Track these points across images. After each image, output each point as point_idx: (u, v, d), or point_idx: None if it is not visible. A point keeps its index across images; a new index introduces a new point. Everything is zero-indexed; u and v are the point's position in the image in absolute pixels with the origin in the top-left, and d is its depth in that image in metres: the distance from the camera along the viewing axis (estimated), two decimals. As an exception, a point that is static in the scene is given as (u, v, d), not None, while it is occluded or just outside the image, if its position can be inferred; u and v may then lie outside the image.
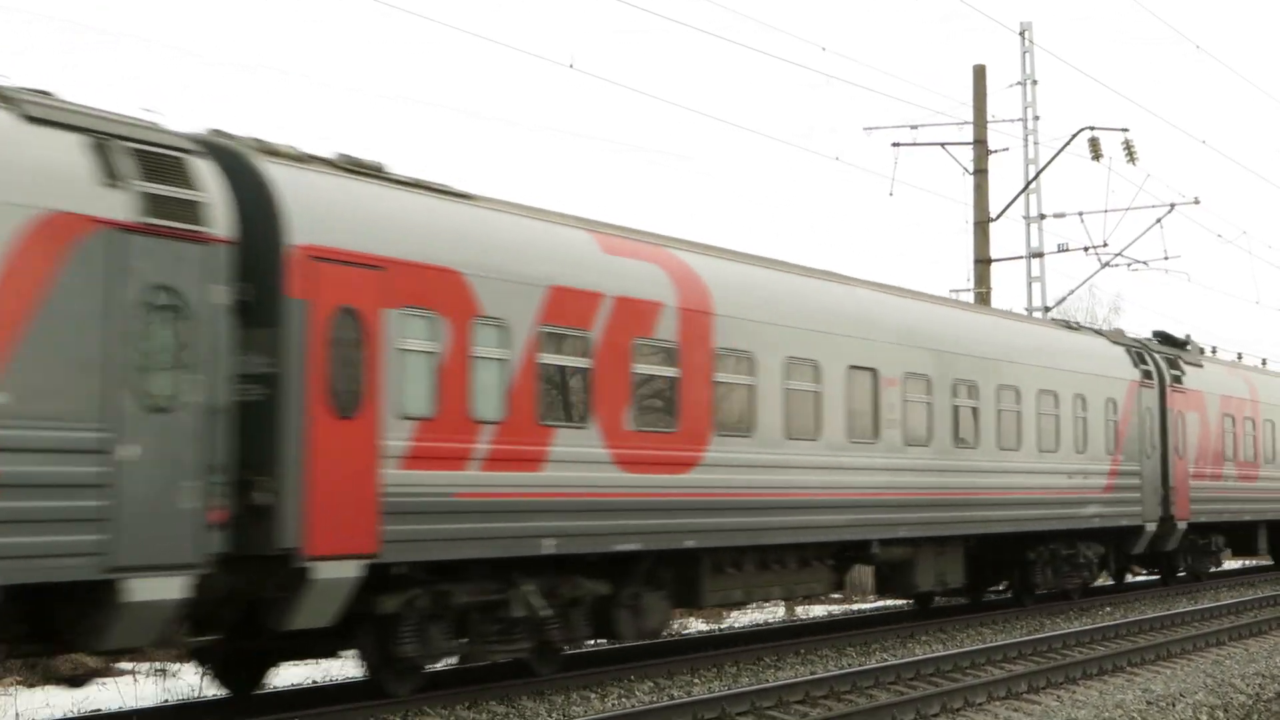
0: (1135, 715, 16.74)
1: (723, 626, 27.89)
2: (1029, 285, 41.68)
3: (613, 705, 16.86)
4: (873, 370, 22.99)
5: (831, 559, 22.75)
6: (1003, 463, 26.53)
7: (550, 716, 16.07)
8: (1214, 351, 40.30)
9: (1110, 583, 35.36)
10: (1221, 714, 17.08)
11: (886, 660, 20.64)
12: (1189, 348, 36.17)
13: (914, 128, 38.85)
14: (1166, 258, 42.42)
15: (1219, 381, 36.71)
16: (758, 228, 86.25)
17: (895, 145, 39.02)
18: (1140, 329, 38.90)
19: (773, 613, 30.01)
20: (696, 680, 18.94)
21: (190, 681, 19.12)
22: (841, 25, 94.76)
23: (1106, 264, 41.52)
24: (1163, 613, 27.78)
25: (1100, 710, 16.98)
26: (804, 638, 23.52)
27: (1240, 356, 41.05)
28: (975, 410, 25.84)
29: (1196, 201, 41.74)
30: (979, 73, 38.84)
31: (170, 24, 71.73)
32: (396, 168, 16.76)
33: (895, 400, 23.49)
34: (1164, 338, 35.98)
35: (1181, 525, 33.34)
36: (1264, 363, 43.53)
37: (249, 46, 76.60)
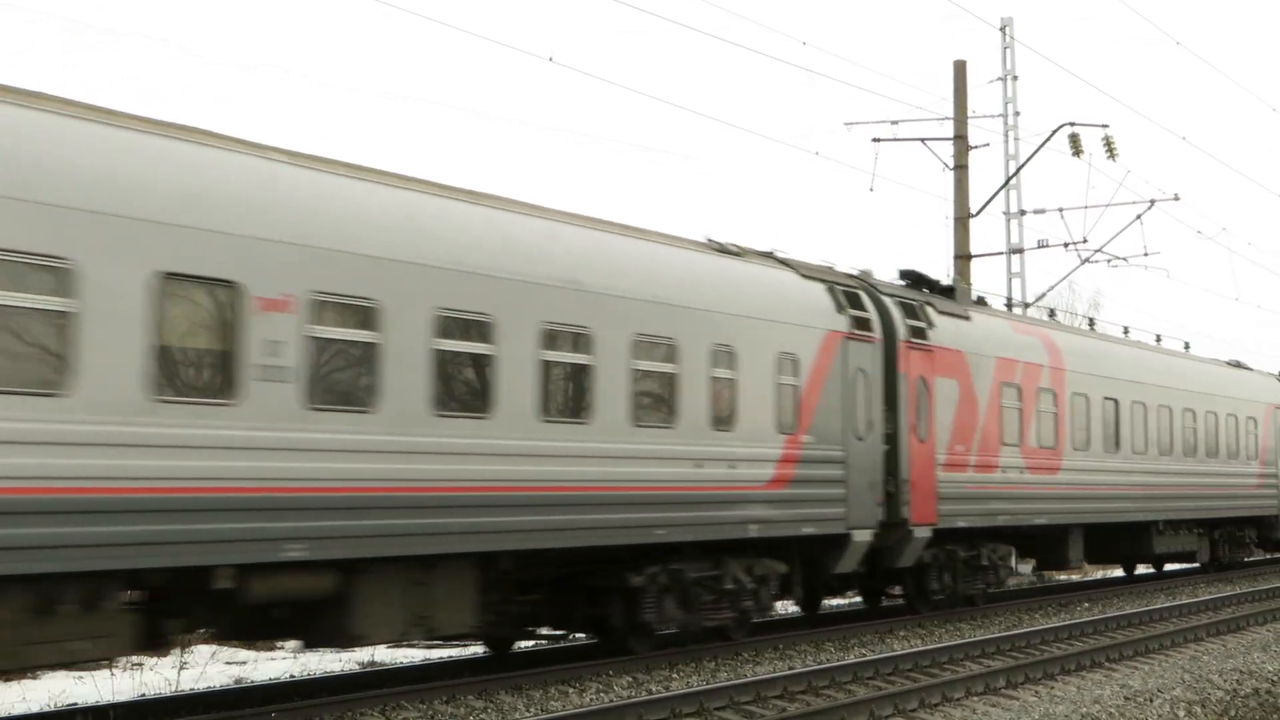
0: (1113, 710, 16.75)
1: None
2: (1009, 281, 41.75)
3: (591, 700, 16.84)
4: None
5: None
6: (555, 441, 17.79)
7: (529, 711, 16.05)
8: (1051, 313, 39.08)
9: (800, 612, 27.18)
10: (1199, 709, 17.11)
11: (865, 656, 20.64)
12: (955, 294, 28.58)
13: (895, 123, 38.91)
14: (1146, 254, 42.50)
15: (997, 340, 28.14)
16: (738, 222, 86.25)
17: (876, 140, 39.10)
18: (1114, 322, 38.53)
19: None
20: (675, 675, 18.92)
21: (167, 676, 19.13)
22: (823, 20, 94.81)
23: (1086, 260, 41.60)
24: (1141, 609, 27.81)
25: (1078, 705, 16.99)
26: (782, 633, 23.50)
27: (1126, 331, 37.21)
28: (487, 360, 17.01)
29: (1176, 198, 41.83)
30: (959, 68, 38.86)
31: (170, 23, 71.55)
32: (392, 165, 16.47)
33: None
34: (914, 279, 27.76)
35: (921, 532, 24.82)
36: (1156, 338, 38.38)
37: (245, 45, 76.40)
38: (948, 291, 28.34)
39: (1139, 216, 41.15)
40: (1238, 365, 41.87)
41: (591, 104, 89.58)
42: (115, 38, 66.72)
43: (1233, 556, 40.45)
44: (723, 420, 20.34)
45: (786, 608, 27.31)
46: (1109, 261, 42.40)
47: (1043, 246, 41.68)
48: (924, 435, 24.96)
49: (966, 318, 27.43)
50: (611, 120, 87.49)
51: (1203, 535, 37.99)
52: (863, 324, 23.48)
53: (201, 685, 17.99)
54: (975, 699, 17.50)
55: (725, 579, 20.88)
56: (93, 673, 19.47)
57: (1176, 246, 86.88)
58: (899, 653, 20.23)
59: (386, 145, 75.25)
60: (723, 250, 21.81)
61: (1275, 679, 19.72)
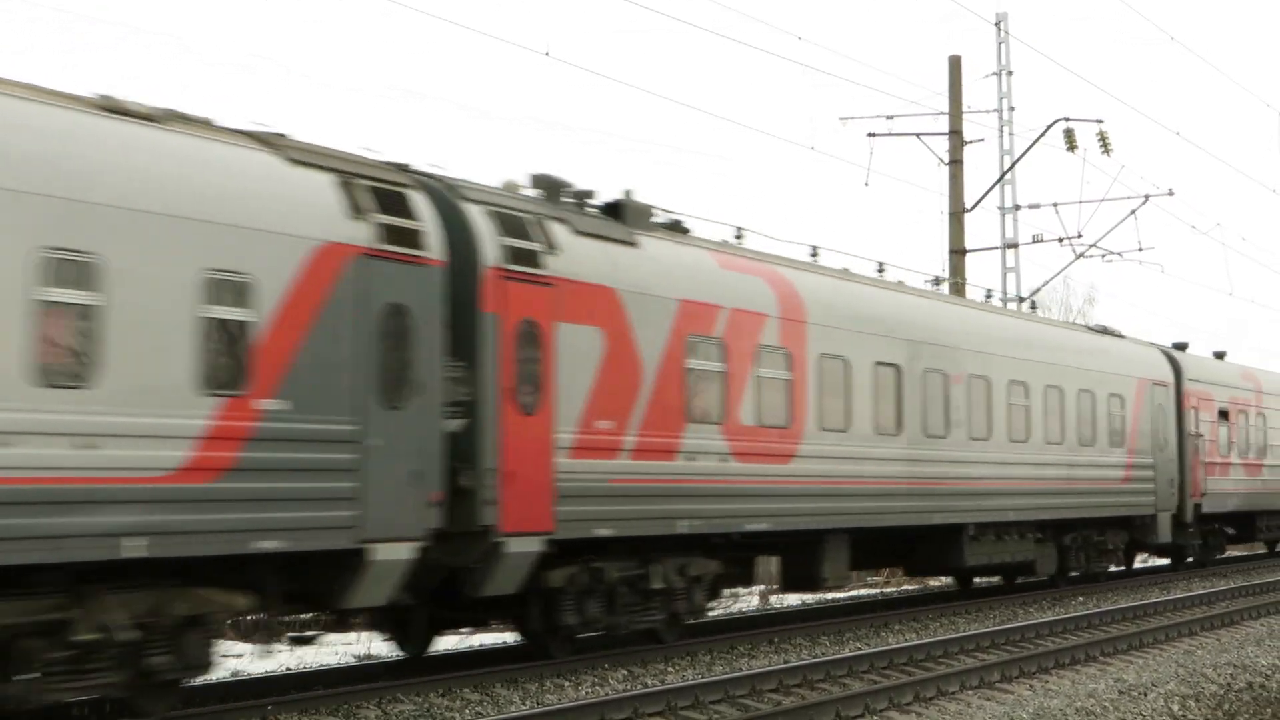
0: (1108, 704, 16.80)
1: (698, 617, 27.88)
2: (1004, 276, 41.77)
3: (586, 693, 16.87)
4: None
5: None
6: None
7: (525, 704, 16.07)
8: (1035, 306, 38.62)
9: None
10: (1193, 704, 17.17)
11: (860, 649, 20.68)
12: (624, 213, 20.21)
13: (890, 118, 38.95)
14: (1141, 249, 42.55)
15: (684, 277, 20.28)
16: (732, 216, 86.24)
17: (871, 135, 39.16)
18: (1106, 317, 37.61)
19: (747, 601, 30.04)
20: (671, 669, 18.95)
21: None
22: (818, 14, 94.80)
23: (1081, 255, 41.66)
24: (1135, 603, 27.85)
25: (1073, 699, 17.03)
26: (777, 626, 23.55)
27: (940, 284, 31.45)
28: None
29: (1171, 193, 41.87)
30: (954, 63, 38.91)
31: (172, 21, 71.49)
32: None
33: None
34: (549, 185, 19.47)
35: (522, 545, 17.41)
36: (986, 294, 34.74)
37: (243, 42, 76.34)
38: (613, 210, 20.25)
39: (1133, 212, 41.21)
40: (1104, 331, 34.20)
41: (588, 98, 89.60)
42: (117, 33, 66.62)
43: (1090, 567, 32.05)
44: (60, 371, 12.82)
45: (783, 600, 27.34)
46: (1104, 256, 42.46)
47: (1037, 241, 41.75)
48: (533, 405, 17.66)
49: (629, 243, 19.74)
50: (607, 114, 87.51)
51: (1044, 541, 29.61)
52: (402, 237, 16.11)
53: (198, 678, 17.96)
54: (970, 693, 17.54)
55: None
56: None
57: (1171, 242, 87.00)
58: (894, 646, 20.27)
59: (388, 142, 75.20)
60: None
61: (1269, 673, 19.79)
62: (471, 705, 16.00)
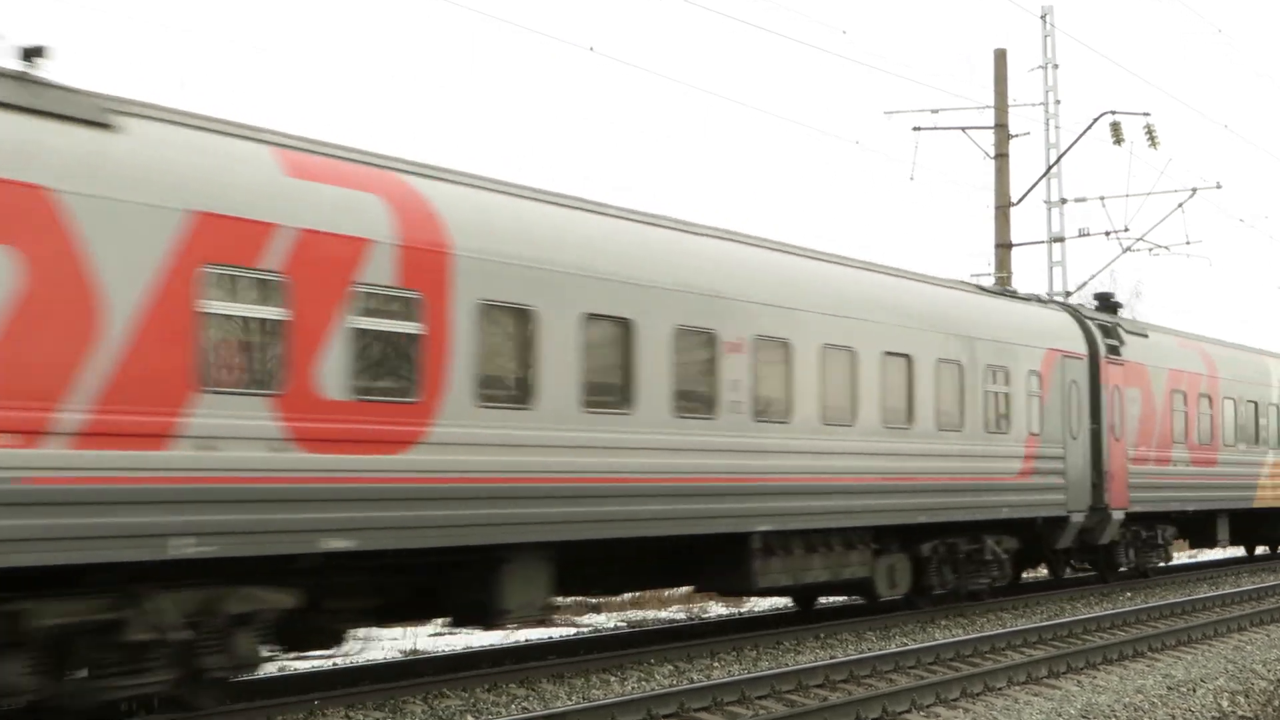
0: (1156, 700, 16.70)
1: (742, 610, 27.91)
2: (1050, 270, 41.55)
3: (632, 688, 16.87)
4: None
5: None
6: None
7: (570, 699, 16.09)
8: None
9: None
10: (1242, 699, 17.06)
11: (906, 645, 20.61)
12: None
13: (935, 111, 38.80)
14: (1188, 243, 42.24)
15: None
16: (776, 212, 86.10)
17: (916, 129, 39.08)
18: (1153, 312, 36.83)
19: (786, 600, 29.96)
20: (716, 664, 18.94)
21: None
22: (862, 8, 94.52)
23: (1128, 249, 41.39)
24: (1184, 598, 27.68)
25: (1121, 695, 16.95)
26: (824, 622, 23.49)
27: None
28: None
29: (1218, 186, 41.60)
30: (1000, 56, 38.73)
31: (243, 21, 71.71)
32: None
33: None
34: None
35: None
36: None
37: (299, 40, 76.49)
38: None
39: (1180, 205, 40.94)
40: (1010, 295, 28.70)
41: (631, 93, 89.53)
42: (182, 35, 66.84)
43: (962, 584, 25.72)
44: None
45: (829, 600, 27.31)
46: (1150, 250, 42.19)
47: (1084, 235, 41.49)
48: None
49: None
50: (650, 109, 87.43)
51: (885, 553, 23.29)
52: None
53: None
54: (1017, 688, 17.46)
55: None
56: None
57: (1218, 235, 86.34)
58: (941, 642, 20.19)
59: (439, 141, 75.37)
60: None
61: (1319, 669, 19.62)
62: (518, 700, 16.03)
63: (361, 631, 16.84)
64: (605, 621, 25.87)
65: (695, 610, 28.18)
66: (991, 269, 38.02)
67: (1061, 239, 41.53)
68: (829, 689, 16.86)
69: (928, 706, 16.08)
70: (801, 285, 21.35)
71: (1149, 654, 20.56)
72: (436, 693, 16.09)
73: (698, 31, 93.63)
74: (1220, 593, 29.15)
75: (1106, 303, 29.66)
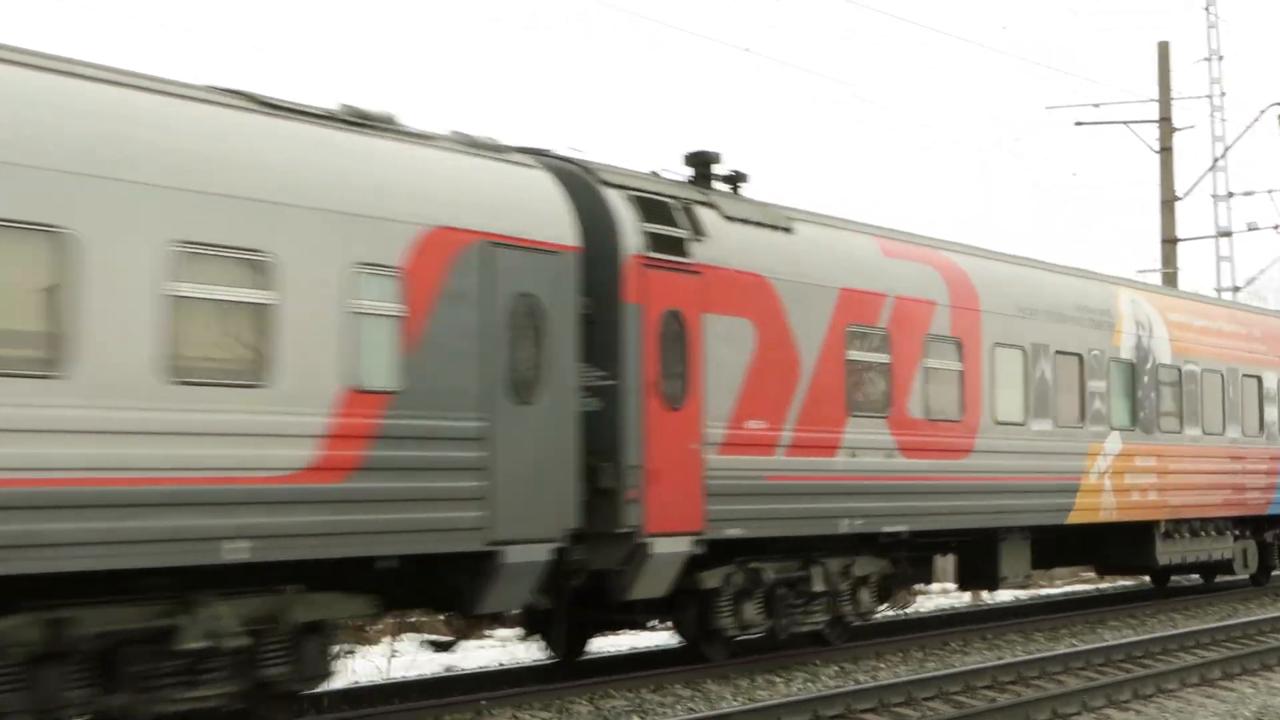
0: (1335, 702, 16.37)
1: (908, 611, 27.72)
2: (1218, 265, 40.88)
3: (798, 690, 16.83)
4: None
5: None
6: None
7: (735, 700, 16.08)
8: None
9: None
10: None
11: (1076, 646, 20.35)
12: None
13: (1097, 106, 38.41)
14: (1362, 235, 41.28)
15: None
16: (933, 210, 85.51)
17: (1078, 124, 38.82)
18: None
19: (958, 598, 29.74)
20: (882, 665, 18.84)
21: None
22: (1022, 3, 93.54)
23: (1299, 242, 40.60)
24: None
25: (1298, 697, 16.63)
26: (990, 623, 23.28)
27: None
28: None
29: (1393, 176, 40.63)
30: (1163, 49, 38.19)
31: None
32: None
33: None
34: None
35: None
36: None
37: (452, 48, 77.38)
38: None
39: (1354, 197, 40.03)
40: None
41: (787, 93, 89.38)
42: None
43: None
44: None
45: (994, 596, 27.06)
46: (1323, 243, 41.35)
47: (1252, 229, 40.78)
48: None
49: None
50: (807, 107, 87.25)
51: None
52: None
53: (413, 673, 18.28)
54: (1190, 690, 17.18)
55: None
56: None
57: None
58: (1110, 643, 19.93)
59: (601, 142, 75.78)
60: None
61: None
62: (683, 701, 16.03)
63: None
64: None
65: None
66: (1158, 265, 37.50)
67: (1229, 233, 40.84)
68: (998, 690, 16.70)
69: (1098, 709, 15.87)
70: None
71: (1327, 655, 20.13)
72: (602, 693, 16.15)
73: (857, 28, 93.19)
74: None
75: (703, 166, 18.29)
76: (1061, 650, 19.56)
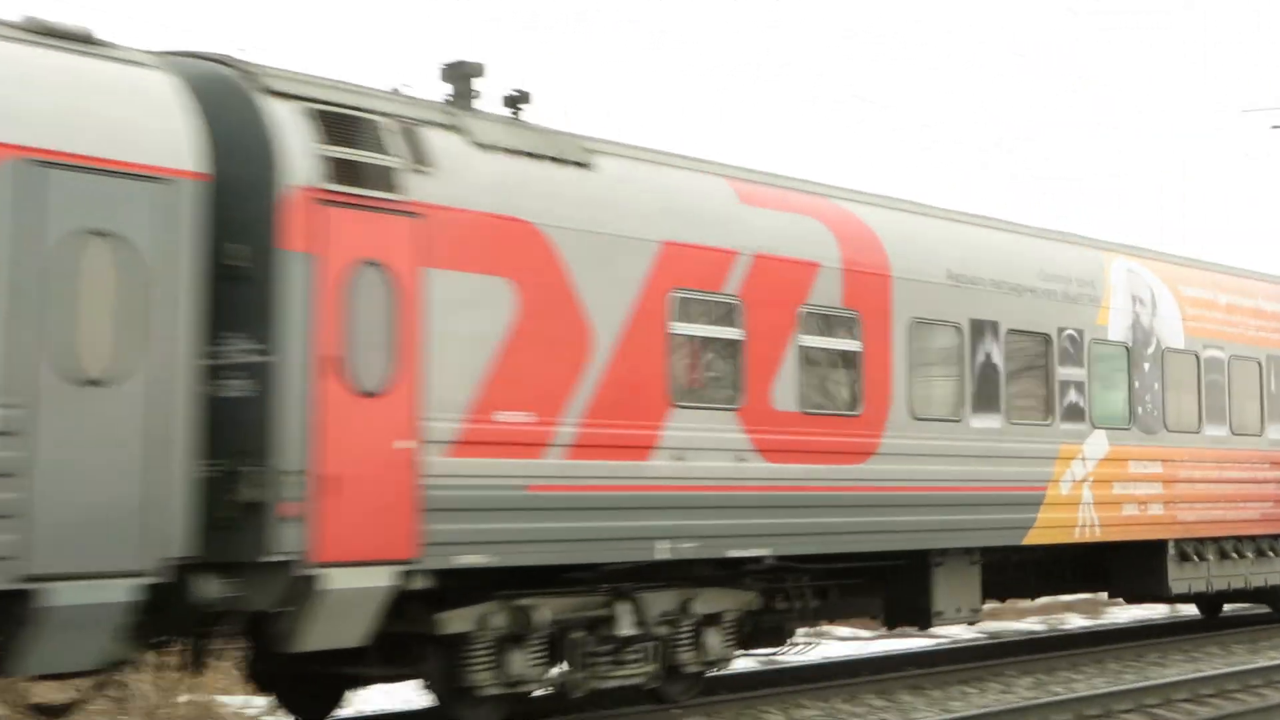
0: None
1: (1102, 621, 27.40)
2: None
3: (992, 700, 16.73)
4: None
5: None
6: None
7: (930, 710, 16.03)
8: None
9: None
10: None
11: (1276, 659, 19.98)
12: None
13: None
14: None
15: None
16: (1117, 213, 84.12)
17: (1276, 127, 38.19)
18: None
19: (1153, 609, 29.29)
20: (1077, 676, 18.66)
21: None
22: (1218, 2, 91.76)
23: None
24: None
25: None
26: (1187, 634, 22.93)
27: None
28: None
29: None
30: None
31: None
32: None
33: None
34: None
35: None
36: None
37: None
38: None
39: None
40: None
41: (787, 93, 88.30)
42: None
43: None
44: None
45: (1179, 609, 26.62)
46: None
47: None
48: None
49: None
50: (807, 108, 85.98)
51: None
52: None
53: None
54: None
55: None
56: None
57: None
58: (1314, 656, 19.58)
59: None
60: None
61: None
62: (876, 711, 15.99)
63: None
64: (962, 632, 25.68)
65: (1052, 622, 27.74)
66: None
67: None
68: (1195, 703, 16.48)
69: (1301, 723, 15.61)
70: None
71: None
72: (794, 703, 16.18)
73: (1046, 25, 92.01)
74: None
75: (462, 81, 14.34)
76: (1261, 663, 19.21)
